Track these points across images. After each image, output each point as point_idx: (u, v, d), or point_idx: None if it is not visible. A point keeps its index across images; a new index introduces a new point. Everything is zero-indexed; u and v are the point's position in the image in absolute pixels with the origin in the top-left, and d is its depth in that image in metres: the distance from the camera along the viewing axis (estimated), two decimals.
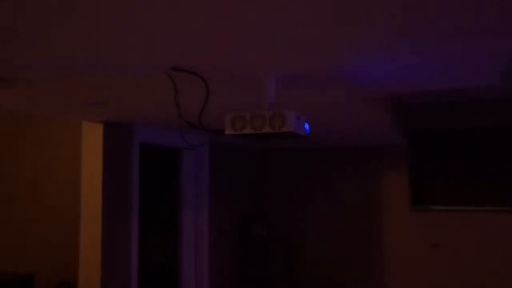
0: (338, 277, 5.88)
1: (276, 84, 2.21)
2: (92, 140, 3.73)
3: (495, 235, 5.26)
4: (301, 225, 6.11)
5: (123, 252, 3.89)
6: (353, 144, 5.85)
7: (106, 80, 2.35)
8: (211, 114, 2.85)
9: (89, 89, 2.56)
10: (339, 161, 6.02)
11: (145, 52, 1.87)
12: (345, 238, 5.90)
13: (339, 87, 2.48)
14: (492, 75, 2.40)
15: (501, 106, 4.94)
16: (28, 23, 1.53)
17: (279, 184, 6.29)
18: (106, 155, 3.71)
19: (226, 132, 2.12)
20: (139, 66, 2.07)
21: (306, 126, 2.21)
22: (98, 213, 3.65)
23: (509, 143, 5.15)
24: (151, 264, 4.85)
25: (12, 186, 4.17)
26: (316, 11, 1.45)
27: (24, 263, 4.07)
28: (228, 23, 1.54)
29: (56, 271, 3.93)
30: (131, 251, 3.98)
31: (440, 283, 5.44)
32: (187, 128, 2.12)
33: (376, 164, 5.85)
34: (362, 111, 3.27)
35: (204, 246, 5.08)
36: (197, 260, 5.09)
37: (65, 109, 3.13)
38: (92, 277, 3.67)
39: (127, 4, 1.36)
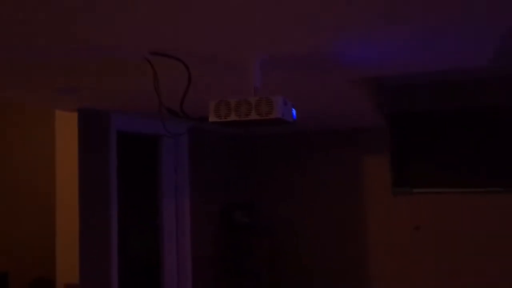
0: (323, 264, 5.86)
1: (260, 67, 2.10)
2: (66, 129, 3.57)
3: (478, 217, 5.29)
4: (285, 213, 6.06)
5: (103, 245, 3.76)
6: (336, 127, 5.79)
7: (76, 65, 2.20)
8: (194, 101, 2.72)
9: (58, 75, 2.41)
10: (321, 145, 5.97)
11: (120, 35, 1.74)
12: (330, 224, 5.87)
13: (326, 70, 2.38)
14: (481, 55, 2.34)
15: (486, 86, 4.93)
16: None
17: (263, 171, 6.21)
18: (81, 144, 3.55)
19: (210, 120, 2.01)
20: (115, 50, 1.93)
21: (293, 111, 2.11)
22: (75, 205, 3.50)
23: (493, 124, 5.16)
24: (132, 256, 4.73)
25: None
26: None
27: None
28: (208, 1, 1.42)
29: (31, 267, 3.78)
30: (111, 243, 3.85)
31: (423, 265, 5.47)
32: (168, 115, 2.00)
33: (358, 147, 5.81)
34: (346, 93, 3.19)
35: (186, 237, 4.98)
36: (179, 251, 4.98)
37: (34, 97, 2.97)
38: (70, 271, 3.54)
39: None
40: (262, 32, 1.77)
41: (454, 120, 5.33)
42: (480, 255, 5.21)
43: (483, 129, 5.19)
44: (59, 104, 3.35)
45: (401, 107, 5.52)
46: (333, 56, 2.15)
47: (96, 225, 3.69)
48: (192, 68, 2.17)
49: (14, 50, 1.88)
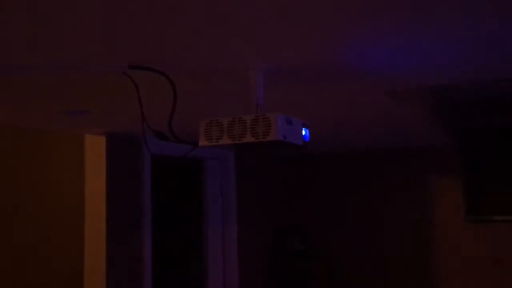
0: None
1: (264, 79, 1.73)
2: (95, 155, 3.40)
3: None
4: (343, 239, 5.54)
5: (134, 280, 3.52)
6: (398, 147, 5.23)
7: (83, 86, 1.97)
8: (187, 121, 2.42)
9: (66, 96, 2.20)
10: (381, 167, 5.42)
11: (99, 46, 1.47)
12: (391, 254, 5.27)
13: (350, 80, 1.97)
14: None
15: None
16: None
17: (317, 195, 5.76)
18: (109, 171, 3.36)
19: (200, 144, 1.67)
20: (95, 64, 1.67)
21: (305, 131, 1.72)
22: (102, 237, 3.30)
23: None
24: None
25: (11, 213, 3.91)
26: None
27: None
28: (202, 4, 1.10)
29: None
30: (144, 276, 3.60)
31: None
32: (156, 138, 1.69)
33: (425, 169, 5.20)
34: (383, 107, 2.73)
35: (233, 266, 4.64)
36: (226, 282, 4.65)
37: (43, 121, 2.80)
38: None
39: None
40: (265, 35, 1.42)
41: None
42: None
43: None
44: (84, 128, 3.19)
45: (474, 123, 4.86)
46: (356, 65, 1.74)
47: (126, 259, 3.46)
48: (186, 84, 1.85)
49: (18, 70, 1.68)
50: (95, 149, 3.38)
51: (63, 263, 3.52)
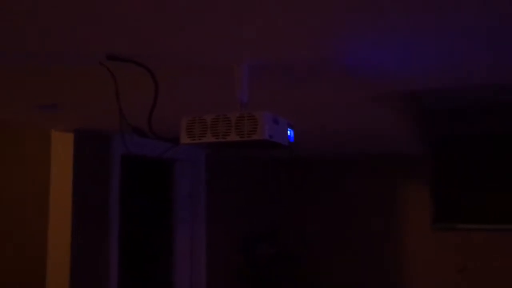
0: None
1: (250, 76, 1.67)
2: (61, 152, 3.25)
3: None
4: (313, 245, 5.53)
5: (99, 280, 3.38)
6: (369, 153, 5.26)
7: (54, 77, 1.86)
8: (165, 118, 2.32)
9: (35, 87, 2.08)
10: (351, 172, 5.44)
11: (75, 34, 1.37)
12: (362, 260, 5.29)
13: (337, 81, 1.93)
14: None
15: None
16: None
17: (288, 199, 5.73)
18: (76, 170, 3.22)
19: (181, 141, 1.59)
20: (69, 54, 1.57)
21: (290, 132, 1.67)
22: (67, 240, 3.15)
23: None
24: None
25: None
26: None
27: None
28: None
29: None
30: (110, 279, 3.46)
31: None
32: (135, 135, 1.60)
33: (394, 175, 5.25)
34: (371, 111, 2.72)
35: (201, 271, 4.54)
36: (194, 287, 4.54)
37: (9, 114, 2.65)
38: None
39: None
40: (251, 30, 1.36)
41: (507, 144, 4.70)
42: None
43: None
44: (52, 123, 3.04)
45: (444, 131, 4.94)
46: (345, 64, 1.70)
47: (92, 261, 3.32)
48: (166, 79, 1.77)
49: None
50: (62, 146, 3.24)
51: (26, 263, 3.35)
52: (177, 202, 4.45)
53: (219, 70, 1.73)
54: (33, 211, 3.34)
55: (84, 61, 1.62)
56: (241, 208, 5.23)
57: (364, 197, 5.34)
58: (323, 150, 4.95)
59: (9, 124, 3.41)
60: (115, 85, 1.63)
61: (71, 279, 3.13)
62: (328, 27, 1.35)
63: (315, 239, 5.52)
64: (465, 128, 4.83)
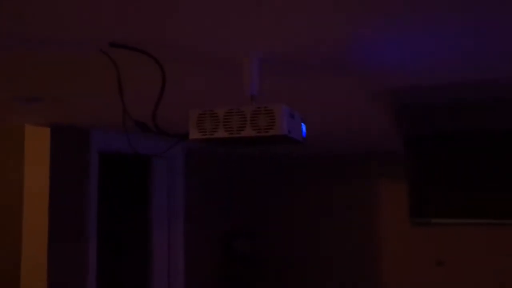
0: None
1: (259, 69, 1.58)
2: (37, 148, 3.07)
3: (506, 251, 4.70)
4: (291, 242, 5.49)
5: (77, 279, 3.21)
6: (346, 150, 5.26)
7: (39, 68, 1.71)
8: (173, 114, 2.22)
9: (16, 79, 1.92)
10: (329, 169, 5.42)
11: (72, 20, 1.24)
12: (340, 256, 5.29)
13: (342, 75, 1.87)
14: None
15: None
16: None
17: (266, 197, 5.66)
18: (53, 167, 3.04)
19: (190, 137, 1.49)
20: (70, 44, 1.44)
21: (303, 127, 1.59)
22: (44, 239, 2.97)
23: None
24: None
25: None
26: None
27: None
28: None
29: None
30: (88, 277, 3.30)
31: None
32: (138, 130, 1.48)
33: (372, 172, 5.26)
34: (365, 108, 2.68)
35: (179, 269, 4.42)
36: (171, 286, 4.41)
37: None
38: None
39: None
40: (261, 20, 1.26)
41: (481, 142, 4.78)
42: None
43: None
44: (27, 117, 2.86)
45: (421, 128, 4.98)
46: (355, 57, 1.64)
47: (69, 262, 3.15)
48: (171, 71, 1.66)
49: None
50: (37, 141, 3.05)
51: None
52: (155, 199, 4.31)
53: (226, 62, 1.63)
54: (6, 211, 3.14)
55: (74, 48, 1.49)
56: (220, 205, 5.13)
57: (342, 194, 5.34)
58: (302, 148, 4.90)
59: None
60: (117, 75, 1.51)
61: (48, 279, 2.96)
62: (339, 22, 1.28)
63: (292, 237, 5.48)
64: (441, 125, 4.89)
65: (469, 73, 1.98)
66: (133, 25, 1.30)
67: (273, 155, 5.61)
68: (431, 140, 4.95)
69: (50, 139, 3.02)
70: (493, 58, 1.72)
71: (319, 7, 1.20)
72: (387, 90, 3.23)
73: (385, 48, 1.56)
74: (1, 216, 3.16)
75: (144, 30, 1.34)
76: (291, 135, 1.44)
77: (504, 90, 3.52)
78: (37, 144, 3.04)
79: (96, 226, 3.39)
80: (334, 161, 5.41)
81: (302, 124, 1.58)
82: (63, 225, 3.10)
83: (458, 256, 4.87)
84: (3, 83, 1.98)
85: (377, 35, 1.42)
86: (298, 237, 5.45)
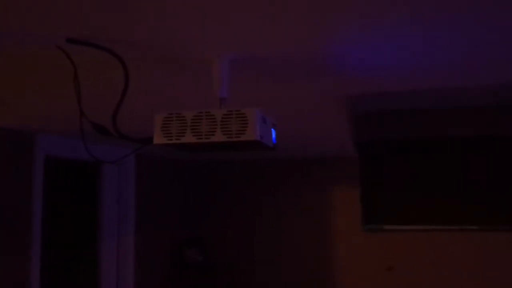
0: None
1: (229, 70, 1.51)
2: None
3: (454, 257, 4.84)
4: (243, 250, 5.41)
5: None
6: (300, 154, 5.25)
7: None
8: (134, 115, 2.10)
9: None
10: (283, 175, 5.40)
11: (26, 10, 1.12)
12: (292, 262, 5.26)
13: (309, 80, 1.82)
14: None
15: (470, 114, 4.55)
16: None
17: (219, 203, 5.56)
18: None
19: (155, 141, 1.39)
20: (15, 35, 1.30)
21: (273, 132, 1.53)
22: None
23: (474, 154, 4.77)
24: None
25: None
26: None
27: None
28: None
29: None
30: None
31: None
32: (96, 134, 1.36)
33: (324, 178, 5.28)
34: (323, 112, 2.66)
35: (128, 279, 4.23)
36: None
37: None
38: None
39: None
40: (233, 21, 1.19)
41: (433, 149, 4.91)
42: None
43: (466, 159, 4.79)
44: None
45: (372, 134, 5.06)
46: (332, 60, 1.59)
47: (10, 273, 2.92)
48: (136, 71, 1.55)
49: None
50: None
51: None
52: (104, 206, 4.11)
53: (195, 62, 1.54)
54: None
55: (25, 43, 1.35)
56: (171, 212, 4.98)
57: (296, 200, 5.33)
58: (257, 153, 4.85)
59: None
60: (75, 73, 1.38)
61: None
62: (312, 24, 1.23)
63: (244, 245, 5.40)
64: (395, 131, 4.98)
65: (433, 80, 1.99)
66: (95, 21, 1.19)
67: (225, 160, 5.53)
68: (384, 146, 5.03)
69: None
70: (461, 67, 1.73)
71: (292, 10, 1.14)
72: (346, 96, 3.24)
73: (355, 53, 1.52)
74: None
75: (108, 26, 1.23)
76: (263, 141, 1.37)
77: (466, 98, 3.62)
78: None
79: (40, 234, 3.18)
80: (287, 166, 5.40)
81: (273, 129, 1.52)
82: (3, 233, 2.87)
83: (408, 261, 4.96)
84: None
85: (348, 40, 1.38)
86: (250, 243, 5.38)
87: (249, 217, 5.42)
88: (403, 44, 1.44)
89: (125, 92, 1.35)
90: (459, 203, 4.77)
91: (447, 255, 4.85)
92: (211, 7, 1.11)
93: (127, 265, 4.23)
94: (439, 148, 4.86)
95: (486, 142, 4.67)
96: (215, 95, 1.49)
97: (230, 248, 5.42)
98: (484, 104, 4.21)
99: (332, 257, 5.17)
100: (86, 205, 4.15)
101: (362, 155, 5.12)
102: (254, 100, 2.07)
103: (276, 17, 1.19)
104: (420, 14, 1.21)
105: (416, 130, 4.86)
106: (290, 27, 1.27)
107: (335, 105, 2.55)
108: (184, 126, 1.36)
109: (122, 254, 4.22)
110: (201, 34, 1.30)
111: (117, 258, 4.22)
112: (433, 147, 4.87)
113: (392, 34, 1.35)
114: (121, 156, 3.71)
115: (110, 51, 1.32)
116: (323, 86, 1.94)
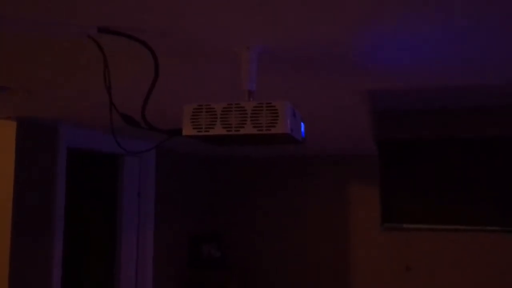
0: None
1: (258, 62, 1.49)
2: (1, 142, 2.87)
3: (474, 257, 4.76)
4: (260, 247, 5.40)
5: (41, 280, 3.03)
6: (319, 151, 5.22)
7: (7, 51, 1.55)
8: (162, 108, 2.09)
9: None
10: (301, 172, 5.38)
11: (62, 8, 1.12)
12: (309, 260, 5.24)
13: (336, 74, 1.80)
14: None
15: (495, 114, 4.47)
16: None
17: (236, 199, 5.56)
18: (19, 162, 2.85)
19: (184, 133, 1.38)
20: (43, 23, 1.30)
21: (302, 126, 1.51)
22: (6, 237, 2.78)
23: (498, 156, 4.69)
24: None
25: None
26: None
27: None
28: None
29: None
30: (52, 278, 3.12)
31: None
32: (124, 124, 1.36)
33: (344, 176, 5.24)
34: (348, 108, 2.63)
35: (147, 273, 4.26)
36: None
37: None
38: None
39: None
40: (263, 12, 1.17)
41: (453, 149, 4.84)
42: None
43: (486, 161, 4.71)
44: None
45: (394, 133, 5.00)
46: (360, 55, 1.57)
47: (34, 263, 2.96)
48: (164, 62, 1.55)
49: None
50: (2, 136, 2.85)
51: None
52: (125, 199, 4.14)
53: (224, 54, 1.52)
54: None
55: (53, 31, 1.35)
56: (188, 209, 5.00)
57: (313, 197, 5.30)
58: (274, 149, 4.83)
59: None
60: (105, 64, 1.38)
61: (10, 277, 2.77)
62: (343, 17, 1.21)
63: (260, 241, 5.40)
64: (416, 131, 4.92)
65: (456, 79, 1.95)
66: (126, 10, 1.19)
67: (243, 156, 5.52)
68: (405, 146, 4.97)
69: (16, 134, 2.83)
70: (481, 64, 1.69)
71: (324, 1, 1.12)
72: (370, 92, 3.20)
73: (383, 48, 1.50)
74: None
75: (139, 16, 1.22)
76: (293, 134, 1.35)
77: (486, 98, 3.55)
78: (2, 138, 2.85)
79: (63, 224, 3.21)
80: (306, 163, 5.37)
81: (302, 123, 1.50)
82: (28, 221, 2.91)
83: (427, 261, 4.90)
84: None
85: (376, 33, 1.36)
86: (267, 240, 5.37)
87: (266, 214, 5.41)
88: (432, 41, 1.41)
89: (154, 83, 1.35)
90: (479, 203, 4.69)
91: (466, 255, 4.78)
92: None
93: (146, 258, 4.25)
94: (460, 148, 4.79)
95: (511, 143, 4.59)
96: (244, 87, 1.48)
97: (246, 244, 5.41)
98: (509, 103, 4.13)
99: (349, 256, 5.13)
100: (107, 197, 4.18)
101: (382, 153, 5.07)
102: (276, 94, 2.05)
103: (306, 9, 1.17)
104: (460, 9, 1.18)
105: (437, 129, 4.79)
106: (320, 19, 1.24)
107: (359, 101, 2.52)
108: (213, 118, 1.35)
109: (142, 247, 4.25)
110: (231, 24, 1.29)
111: (137, 251, 4.24)
112: (454, 147, 4.80)
113: (421, 30, 1.32)
114: (144, 149, 3.73)
115: (141, 41, 1.32)
116: (349, 80, 1.91)
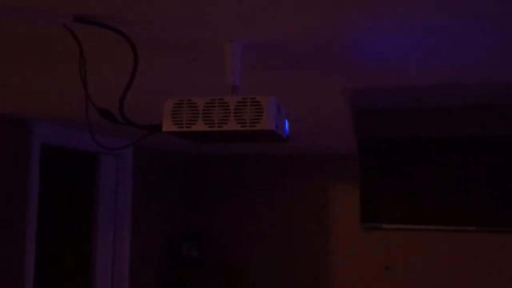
0: None
1: (242, 57, 1.44)
2: None
3: (453, 257, 4.80)
4: (239, 246, 5.35)
5: (14, 280, 2.92)
6: (299, 151, 5.19)
7: None
8: (141, 103, 2.02)
9: None
10: (282, 171, 5.34)
11: None
12: (289, 259, 5.21)
13: (322, 70, 1.76)
14: None
15: (476, 113, 4.50)
16: None
17: (215, 197, 5.49)
18: None
19: (164, 129, 1.32)
20: (16, 13, 1.23)
21: (286, 123, 1.47)
22: None
23: (476, 155, 4.73)
24: None
25: None
26: None
27: None
28: None
29: None
30: (25, 278, 3.01)
31: None
32: (102, 121, 1.29)
33: (324, 176, 5.23)
34: (330, 106, 2.60)
35: (123, 273, 4.17)
36: None
37: None
38: None
39: None
40: (245, 2, 1.13)
41: (432, 149, 4.87)
42: None
43: (465, 160, 4.75)
44: None
45: (374, 132, 5.01)
46: (344, 50, 1.53)
47: (5, 262, 2.85)
48: (143, 52, 1.48)
49: None
50: None
51: None
52: (101, 198, 4.04)
53: (207, 47, 1.47)
54: None
55: (27, 21, 1.28)
56: (167, 206, 4.91)
57: (294, 197, 5.27)
58: (256, 147, 4.79)
59: None
60: (81, 55, 1.31)
61: None
62: (328, 11, 1.17)
63: (240, 241, 5.35)
64: (394, 130, 4.93)
65: (441, 78, 1.94)
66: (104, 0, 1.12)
67: (223, 155, 5.46)
68: (385, 144, 4.98)
69: None
70: (469, 62, 1.67)
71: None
72: (352, 90, 3.18)
73: (367, 45, 1.46)
74: None
75: (117, 7, 1.16)
76: (277, 131, 1.30)
77: (471, 97, 3.56)
78: None
79: (36, 224, 3.10)
80: (287, 163, 5.34)
81: (286, 120, 1.45)
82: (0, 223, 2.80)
83: (406, 261, 4.92)
84: None
85: (364, 29, 1.32)
86: (246, 239, 5.32)
87: (246, 213, 5.36)
88: (417, 39, 1.39)
89: (133, 76, 1.29)
90: (458, 204, 4.73)
91: (445, 255, 4.81)
92: None
93: (123, 258, 4.16)
94: (439, 148, 4.82)
95: (488, 143, 4.63)
96: (227, 82, 1.42)
97: (226, 243, 5.35)
98: (489, 103, 4.16)
99: (330, 256, 5.12)
100: (84, 196, 4.08)
101: (362, 152, 5.07)
102: (258, 88, 2.00)
103: (292, 2, 1.12)
104: (445, 6, 1.15)
105: (417, 129, 4.81)
106: (305, 13, 1.20)
107: (341, 99, 2.50)
108: (195, 114, 1.30)
109: (118, 246, 4.15)
110: (215, 16, 1.23)
111: (113, 250, 4.15)
112: (433, 147, 4.83)
113: (407, 27, 1.29)
114: (121, 146, 3.64)
115: (119, 32, 1.26)
116: (333, 77, 1.88)
